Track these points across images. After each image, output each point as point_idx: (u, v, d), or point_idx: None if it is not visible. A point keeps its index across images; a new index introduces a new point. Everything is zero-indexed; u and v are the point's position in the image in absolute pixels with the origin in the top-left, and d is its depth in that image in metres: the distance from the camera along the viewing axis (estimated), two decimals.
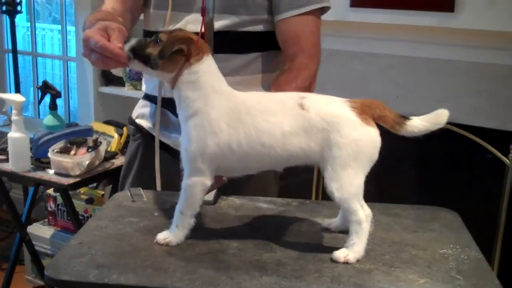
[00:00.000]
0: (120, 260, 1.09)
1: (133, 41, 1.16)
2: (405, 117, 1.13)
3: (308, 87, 1.47)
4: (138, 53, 1.15)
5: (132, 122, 1.73)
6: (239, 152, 1.13)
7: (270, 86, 1.50)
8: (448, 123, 2.22)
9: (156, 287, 1.01)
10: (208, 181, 1.17)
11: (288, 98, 1.16)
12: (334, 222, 1.26)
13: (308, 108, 1.12)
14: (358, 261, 1.10)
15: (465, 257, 1.16)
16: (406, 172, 2.56)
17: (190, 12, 1.52)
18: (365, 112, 1.12)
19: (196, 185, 1.16)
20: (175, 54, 1.12)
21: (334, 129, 1.11)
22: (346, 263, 1.10)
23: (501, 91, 2.33)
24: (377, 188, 2.44)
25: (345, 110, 1.13)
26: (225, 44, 1.49)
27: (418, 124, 1.13)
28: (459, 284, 1.04)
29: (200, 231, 1.23)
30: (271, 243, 1.19)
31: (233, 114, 1.13)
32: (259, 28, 1.54)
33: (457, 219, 1.37)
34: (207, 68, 1.15)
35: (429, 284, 1.04)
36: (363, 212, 1.11)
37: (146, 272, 1.05)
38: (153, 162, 1.57)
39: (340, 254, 1.11)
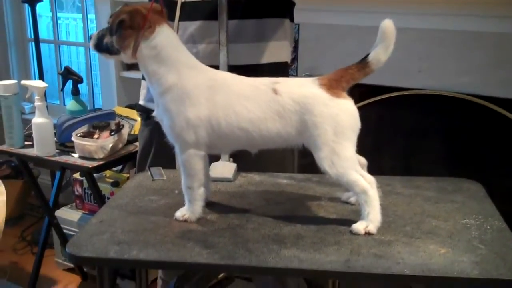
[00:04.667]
0: (140, 236, 1.10)
1: (94, 37, 1.18)
2: (364, 59, 1.12)
3: None
4: (100, 47, 1.17)
5: (142, 108, 1.71)
6: (219, 131, 1.14)
7: None
8: (474, 95, 2.20)
9: (175, 261, 1.02)
10: (201, 150, 1.17)
11: (262, 84, 1.16)
12: (353, 195, 1.25)
13: (281, 92, 1.13)
14: (378, 232, 1.10)
15: (488, 227, 1.14)
16: (432, 147, 2.51)
17: None
18: (333, 86, 1.12)
19: (191, 157, 1.17)
20: (124, 29, 1.13)
21: (307, 110, 1.11)
22: (367, 234, 1.09)
23: None
24: (404, 163, 2.41)
25: (314, 89, 1.13)
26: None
27: (377, 53, 1.11)
28: (481, 253, 1.02)
29: (219, 207, 1.24)
30: (290, 217, 1.19)
31: (211, 91, 1.14)
32: None
33: (480, 190, 1.35)
34: (165, 41, 1.15)
35: (450, 254, 1.02)
36: (364, 181, 1.10)
37: (165, 248, 1.05)
38: (170, 145, 1.55)
39: (359, 227, 1.10)
